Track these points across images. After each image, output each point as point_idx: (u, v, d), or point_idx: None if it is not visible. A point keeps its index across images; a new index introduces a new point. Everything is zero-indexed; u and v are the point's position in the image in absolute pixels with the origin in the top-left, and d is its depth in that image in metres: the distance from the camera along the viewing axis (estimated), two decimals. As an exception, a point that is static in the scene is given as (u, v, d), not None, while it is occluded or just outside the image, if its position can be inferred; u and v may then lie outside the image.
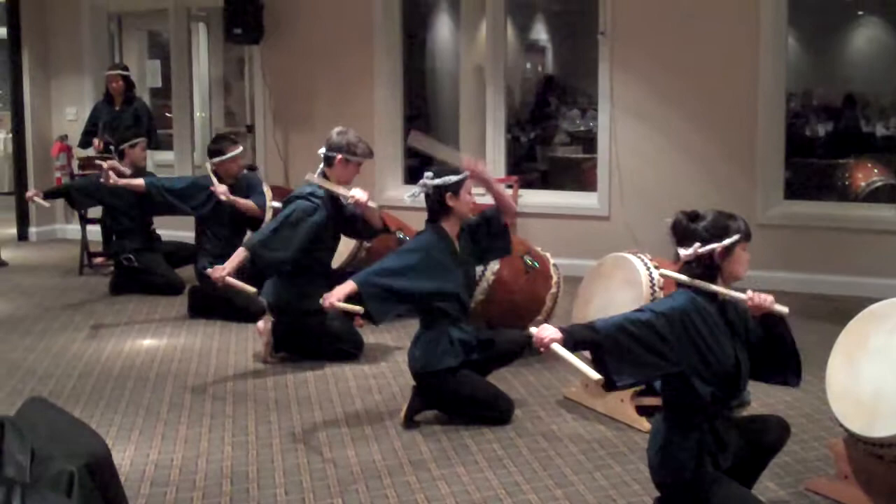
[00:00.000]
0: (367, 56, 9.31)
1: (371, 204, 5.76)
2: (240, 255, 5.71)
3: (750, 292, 3.54)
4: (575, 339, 3.38)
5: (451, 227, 5.03)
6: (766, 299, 3.54)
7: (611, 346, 3.39)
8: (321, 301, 4.75)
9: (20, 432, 2.61)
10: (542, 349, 3.36)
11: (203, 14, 12.99)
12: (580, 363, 3.30)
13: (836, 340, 4.01)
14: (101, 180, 6.99)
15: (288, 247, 5.79)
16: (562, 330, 3.37)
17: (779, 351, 3.64)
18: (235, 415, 5.12)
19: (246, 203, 7.13)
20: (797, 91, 13.15)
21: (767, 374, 3.75)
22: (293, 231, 5.80)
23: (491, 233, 5.15)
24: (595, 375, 3.31)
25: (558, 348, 3.32)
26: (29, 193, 8.15)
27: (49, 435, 2.72)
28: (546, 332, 3.35)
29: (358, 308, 4.79)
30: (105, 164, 7.36)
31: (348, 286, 4.78)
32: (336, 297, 4.74)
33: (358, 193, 5.71)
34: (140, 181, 7.28)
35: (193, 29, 12.11)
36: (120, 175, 7.45)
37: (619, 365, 3.39)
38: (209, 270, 5.63)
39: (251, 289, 5.72)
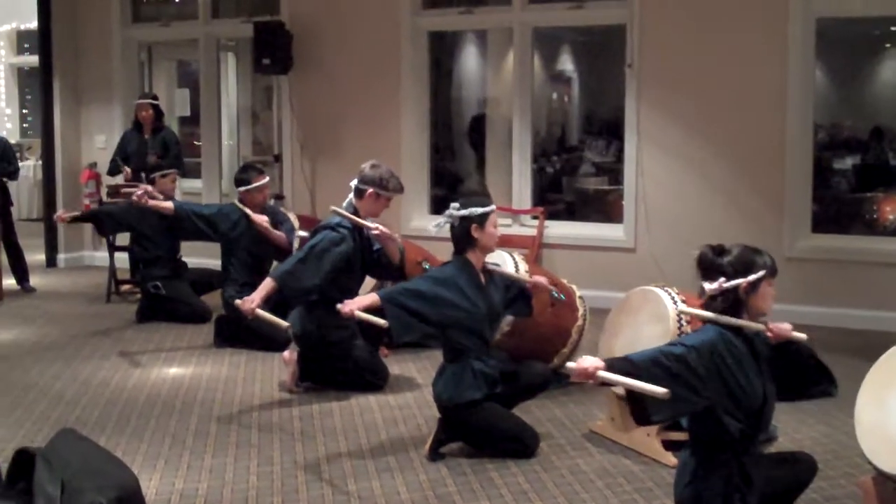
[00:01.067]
0: (395, 86, 9.36)
1: (395, 236, 5.79)
2: (267, 285, 5.73)
3: (769, 324, 3.61)
4: (614, 370, 3.37)
5: (476, 258, 5.01)
6: (785, 328, 3.62)
7: (648, 380, 3.37)
8: (339, 306, 4.76)
9: (50, 464, 2.63)
10: (589, 380, 3.34)
11: (232, 44, 13.14)
12: (639, 382, 3.29)
13: (865, 376, 3.98)
14: (134, 198, 7.09)
15: (314, 276, 5.82)
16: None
17: (800, 368, 3.70)
18: (261, 444, 5.12)
19: (278, 235, 7.19)
20: (825, 124, 13.09)
21: (803, 389, 3.77)
22: (319, 261, 5.83)
23: (520, 299, 5.27)
24: (660, 390, 3.27)
25: (607, 374, 3.31)
26: (60, 214, 8.20)
27: (80, 467, 2.73)
28: (588, 361, 3.34)
29: (381, 321, 4.74)
30: (139, 188, 7.42)
31: (371, 298, 4.80)
32: (357, 305, 4.76)
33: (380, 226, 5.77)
34: (169, 204, 7.38)
35: (222, 59, 12.22)
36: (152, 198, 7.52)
37: (656, 399, 3.37)
38: (238, 303, 5.64)
39: (284, 323, 5.70)
